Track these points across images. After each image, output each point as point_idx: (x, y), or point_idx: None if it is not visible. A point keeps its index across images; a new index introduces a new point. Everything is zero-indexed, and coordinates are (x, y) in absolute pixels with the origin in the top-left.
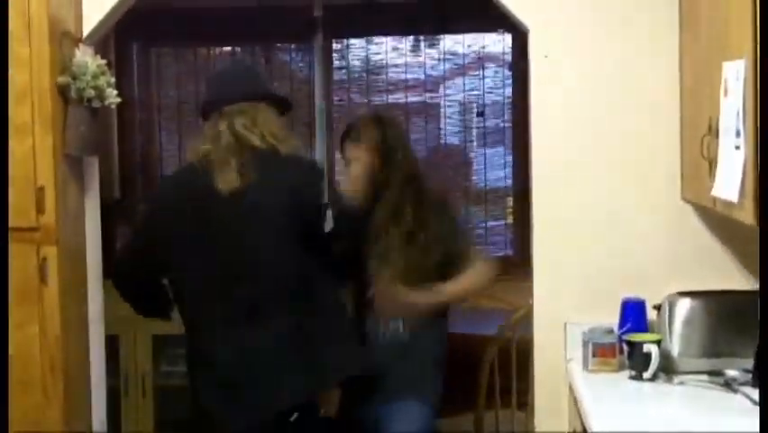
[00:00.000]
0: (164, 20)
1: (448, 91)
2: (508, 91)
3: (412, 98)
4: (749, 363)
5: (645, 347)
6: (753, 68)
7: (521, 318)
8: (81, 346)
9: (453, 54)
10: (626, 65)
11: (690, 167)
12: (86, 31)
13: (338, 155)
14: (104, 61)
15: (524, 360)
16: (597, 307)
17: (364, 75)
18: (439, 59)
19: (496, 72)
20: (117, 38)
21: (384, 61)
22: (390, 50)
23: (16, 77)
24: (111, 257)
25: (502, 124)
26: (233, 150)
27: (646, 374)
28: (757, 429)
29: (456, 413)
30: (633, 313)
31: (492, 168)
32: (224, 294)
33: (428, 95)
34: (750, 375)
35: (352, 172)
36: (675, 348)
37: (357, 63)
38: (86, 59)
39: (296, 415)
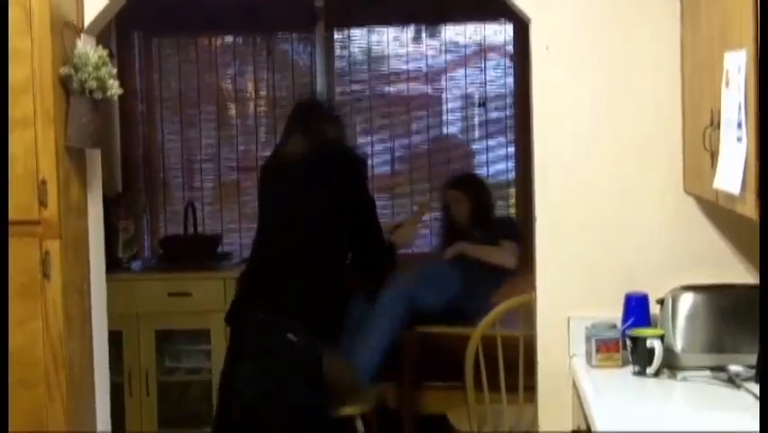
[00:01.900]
0: (165, 10)
1: (450, 82)
2: (510, 81)
3: (413, 89)
4: (752, 358)
5: (649, 342)
6: (755, 58)
7: (502, 312)
8: (84, 342)
9: (455, 44)
10: (627, 56)
11: (692, 159)
12: (87, 21)
13: None
14: (105, 52)
15: (528, 355)
16: (600, 302)
17: (366, 65)
18: (440, 50)
19: (498, 63)
20: (119, 28)
21: (385, 51)
22: (392, 41)
23: (17, 69)
24: (113, 251)
25: (504, 115)
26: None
27: (650, 370)
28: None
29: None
30: (636, 308)
31: (494, 159)
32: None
33: (430, 85)
34: (753, 371)
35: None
36: (678, 343)
37: (358, 53)
38: (88, 49)
39: None
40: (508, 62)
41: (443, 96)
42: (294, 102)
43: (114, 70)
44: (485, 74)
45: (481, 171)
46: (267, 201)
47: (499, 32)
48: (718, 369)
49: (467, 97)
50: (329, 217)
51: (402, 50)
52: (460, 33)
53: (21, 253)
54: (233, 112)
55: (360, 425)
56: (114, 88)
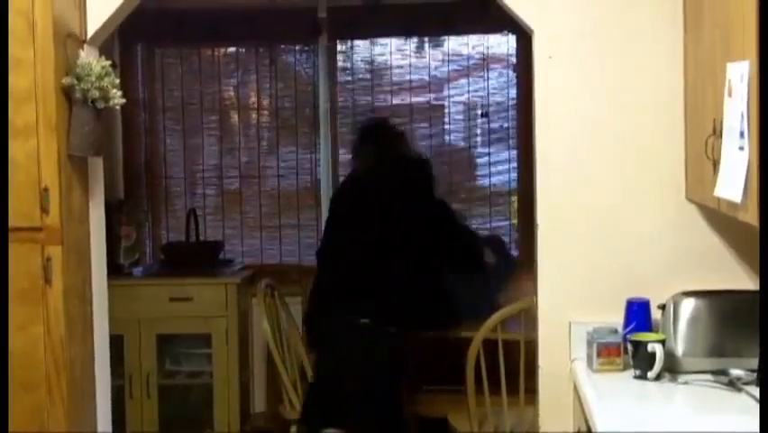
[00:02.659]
0: (168, 21)
1: (452, 92)
2: (513, 92)
3: (416, 99)
4: (754, 362)
5: (650, 347)
6: (757, 69)
7: (504, 316)
8: (86, 347)
9: (458, 55)
10: (629, 66)
11: (694, 167)
12: (90, 32)
13: None
14: (108, 62)
15: (529, 359)
16: (601, 307)
17: (368, 76)
18: (443, 61)
19: (500, 73)
20: (122, 39)
21: (388, 62)
22: (395, 51)
23: (20, 78)
24: (115, 257)
25: (507, 125)
26: None
27: (651, 374)
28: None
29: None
30: (637, 313)
31: (497, 169)
32: None
33: (433, 96)
34: (754, 375)
35: None
36: (680, 348)
37: (361, 64)
38: (91, 60)
39: None
40: (511, 72)
41: (446, 106)
42: (359, 126)
43: (117, 80)
44: (488, 84)
45: (483, 181)
46: (352, 216)
47: (502, 43)
48: (720, 373)
49: (470, 108)
50: (409, 217)
51: (405, 61)
52: (463, 44)
53: (23, 259)
54: (235, 121)
55: None
56: (117, 98)
